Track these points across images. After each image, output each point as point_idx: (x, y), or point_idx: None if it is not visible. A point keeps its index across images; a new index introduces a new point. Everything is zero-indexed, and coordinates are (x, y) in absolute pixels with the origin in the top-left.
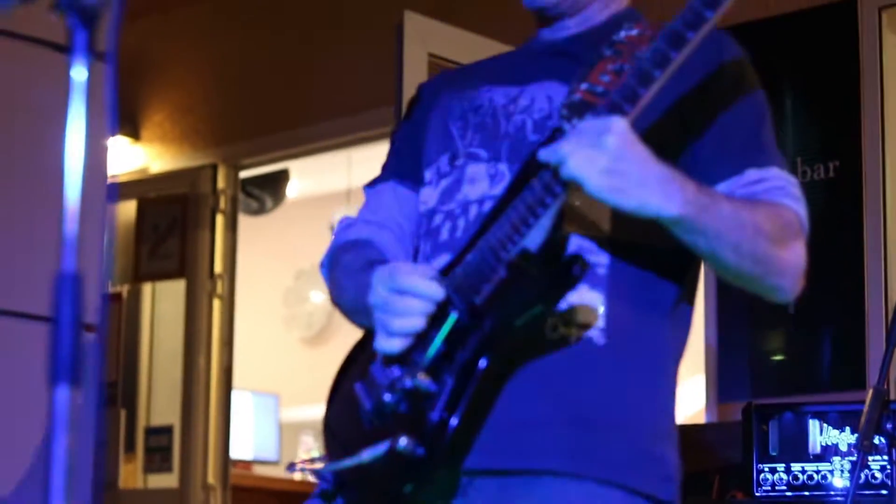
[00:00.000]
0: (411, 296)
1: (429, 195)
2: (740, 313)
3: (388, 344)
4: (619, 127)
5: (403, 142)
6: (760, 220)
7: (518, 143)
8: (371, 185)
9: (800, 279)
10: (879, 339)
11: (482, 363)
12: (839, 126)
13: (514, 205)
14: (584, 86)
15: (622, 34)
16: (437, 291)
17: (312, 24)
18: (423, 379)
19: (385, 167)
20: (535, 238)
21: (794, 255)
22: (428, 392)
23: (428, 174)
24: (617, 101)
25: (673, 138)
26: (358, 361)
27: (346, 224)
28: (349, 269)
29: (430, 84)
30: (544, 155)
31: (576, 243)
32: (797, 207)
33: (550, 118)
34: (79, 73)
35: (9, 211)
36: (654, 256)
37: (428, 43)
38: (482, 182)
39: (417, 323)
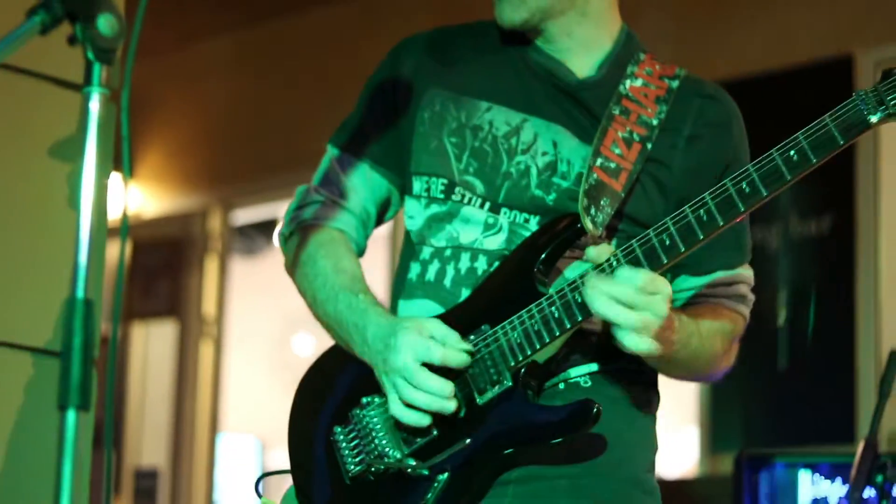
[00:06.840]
0: (440, 374)
1: (416, 211)
2: (733, 366)
3: (406, 415)
4: (668, 296)
5: (383, 121)
6: (717, 344)
7: (518, 190)
8: (340, 150)
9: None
10: (870, 392)
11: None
12: (834, 181)
13: (530, 311)
14: (598, 161)
15: (627, 85)
16: (465, 365)
17: (306, 68)
18: (421, 468)
19: (357, 137)
20: (542, 353)
21: (729, 361)
22: (421, 477)
23: (417, 186)
24: (653, 251)
25: (664, 202)
26: (331, 387)
27: (314, 200)
28: (327, 281)
29: (411, 57)
30: (601, 310)
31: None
32: (746, 312)
33: (554, 170)
34: (95, 105)
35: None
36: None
37: None
38: (476, 227)
39: (448, 406)
